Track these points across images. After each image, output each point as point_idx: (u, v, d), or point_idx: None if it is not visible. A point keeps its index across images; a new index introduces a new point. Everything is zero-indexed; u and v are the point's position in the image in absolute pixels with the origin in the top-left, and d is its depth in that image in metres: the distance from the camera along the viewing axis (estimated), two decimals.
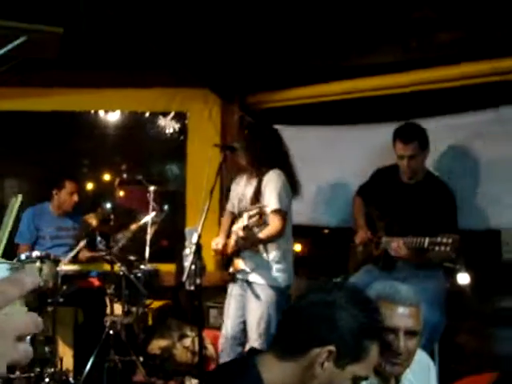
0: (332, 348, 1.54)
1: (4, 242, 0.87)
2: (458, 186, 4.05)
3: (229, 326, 3.91)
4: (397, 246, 3.61)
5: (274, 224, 3.66)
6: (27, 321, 0.73)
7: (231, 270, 3.85)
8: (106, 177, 6.85)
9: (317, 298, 1.59)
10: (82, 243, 4.68)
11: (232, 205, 4.07)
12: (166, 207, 4.81)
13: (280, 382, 1.60)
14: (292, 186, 3.80)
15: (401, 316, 2.03)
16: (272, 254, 3.75)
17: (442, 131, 4.31)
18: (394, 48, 4.55)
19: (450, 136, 4.40)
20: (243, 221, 3.65)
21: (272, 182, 3.69)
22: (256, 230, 3.63)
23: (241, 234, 3.62)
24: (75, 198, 5.03)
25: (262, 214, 3.55)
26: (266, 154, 3.77)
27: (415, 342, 2.05)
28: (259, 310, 3.68)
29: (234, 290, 3.95)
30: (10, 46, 2.45)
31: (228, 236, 3.97)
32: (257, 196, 3.73)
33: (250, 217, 3.56)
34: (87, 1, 2.80)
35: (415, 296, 2.10)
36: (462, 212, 3.85)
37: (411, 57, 4.49)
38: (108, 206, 5.85)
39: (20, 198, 0.90)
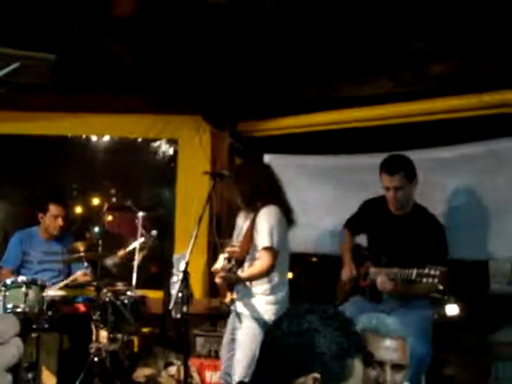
0: (316, 375, 1.52)
1: None
2: (448, 217, 4.08)
3: (222, 359, 3.89)
4: (382, 281, 3.62)
5: (262, 261, 3.66)
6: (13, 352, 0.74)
7: (223, 300, 3.83)
8: (96, 201, 6.83)
9: (291, 327, 1.58)
10: (80, 272, 4.67)
11: (235, 238, 4.05)
12: (154, 233, 4.76)
13: None
14: (288, 217, 3.81)
15: (387, 349, 2.03)
16: (262, 287, 3.73)
17: (430, 162, 4.36)
18: (385, 80, 4.61)
19: (439, 167, 4.44)
20: (219, 263, 3.68)
21: (265, 219, 3.69)
22: (240, 268, 3.65)
23: (217, 278, 3.65)
24: (59, 221, 4.95)
25: (232, 258, 3.59)
26: (258, 189, 3.78)
27: (402, 375, 2.04)
28: (245, 343, 3.65)
29: (228, 322, 3.94)
30: (2, 72, 2.46)
31: None
32: (251, 232, 3.74)
33: (225, 259, 3.60)
34: (80, 26, 2.82)
35: (402, 329, 2.10)
36: (452, 242, 3.87)
37: (401, 89, 4.54)
38: (96, 230, 5.81)
39: None
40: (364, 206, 4.19)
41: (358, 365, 1.51)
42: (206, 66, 5.06)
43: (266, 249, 3.65)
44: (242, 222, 3.95)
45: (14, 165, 5.97)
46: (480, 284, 5.22)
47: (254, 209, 3.79)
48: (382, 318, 2.15)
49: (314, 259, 6.49)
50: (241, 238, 3.84)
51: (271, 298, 3.72)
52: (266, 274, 3.68)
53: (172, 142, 5.84)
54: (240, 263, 3.70)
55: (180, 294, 3.36)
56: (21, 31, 2.60)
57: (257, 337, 3.58)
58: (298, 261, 6.18)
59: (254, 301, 3.71)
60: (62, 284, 4.71)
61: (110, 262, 4.62)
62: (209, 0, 3.90)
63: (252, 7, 4.09)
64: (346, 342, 1.50)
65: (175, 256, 3.93)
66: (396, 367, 2.02)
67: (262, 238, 3.66)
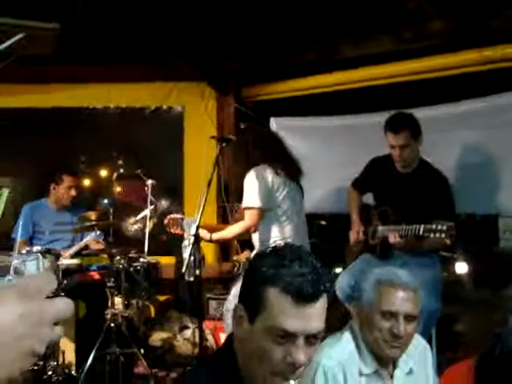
0: (240, 305, 1.56)
1: None
2: (456, 172, 4.09)
3: None
4: (393, 238, 3.64)
5: (241, 222, 3.77)
6: (62, 307, 0.81)
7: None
8: (104, 172, 6.87)
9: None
10: (89, 237, 4.75)
11: None
12: (164, 201, 4.83)
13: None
14: (288, 176, 3.83)
15: (401, 300, 2.08)
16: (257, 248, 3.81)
17: (435, 119, 4.36)
18: (386, 38, 4.58)
19: (443, 124, 4.44)
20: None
21: (247, 181, 3.75)
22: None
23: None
24: (73, 192, 5.05)
25: None
26: (257, 151, 3.82)
27: (414, 326, 2.10)
28: None
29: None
30: (7, 43, 2.47)
31: None
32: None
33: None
34: None
35: (414, 281, 2.15)
36: (462, 196, 3.89)
37: (403, 47, 4.52)
38: (105, 201, 5.86)
39: (7, 191, 0.97)
40: (370, 164, 4.20)
41: (274, 296, 1.47)
42: (209, 31, 5.04)
43: (245, 209, 3.75)
44: None
45: (20, 137, 5.99)
46: (489, 241, 5.26)
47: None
48: (396, 270, 2.20)
49: (323, 222, 6.53)
50: None
51: None
52: (243, 233, 3.79)
53: (178, 108, 5.84)
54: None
55: (192, 258, 3.42)
56: (23, 1, 2.60)
57: None
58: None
59: None
60: (75, 248, 4.77)
61: (132, 228, 4.69)
62: None
63: None
64: (261, 271, 1.50)
65: (185, 220, 3.96)
66: (409, 318, 2.07)
67: (243, 199, 3.75)
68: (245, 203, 3.74)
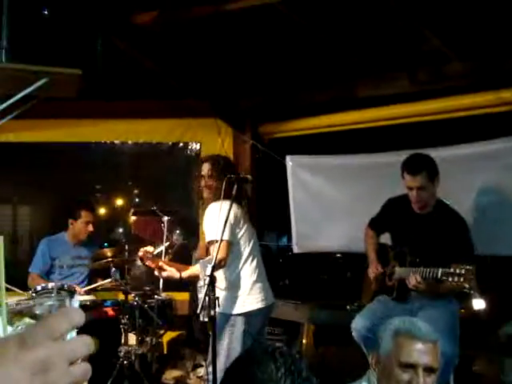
0: None
1: (3, 288, 0.92)
2: (473, 214, 4.07)
3: None
4: (415, 281, 3.59)
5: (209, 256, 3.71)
6: (77, 345, 0.77)
7: None
8: (121, 206, 6.92)
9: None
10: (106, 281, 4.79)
11: None
12: (179, 237, 4.85)
13: None
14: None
15: (420, 352, 2.05)
16: (222, 284, 3.75)
17: (452, 160, 4.36)
18: (403, 79, 4.62)
19: (461, 164, 4.44)
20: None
21: (206, 215, 3.75)
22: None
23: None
24: (90, 227, 5.09)
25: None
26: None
27: (433, 378, 2.07)
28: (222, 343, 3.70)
29: None
30: (31, 88, 2.52)
31: None
32: None
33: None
34: (104, 40, 2.88)
35: (434, 333, 2.12)
36: (481, 238, 3.86)
37: (419, 88, 4.55)
38: (122, 234, 5.91)
39: (1, 239, 0.94)
40: (387, 204, 4.18)
41: None
42: (225, 70, 5.12)
43: (208, 243, 3.73)
44: None
45: (41, 171, 6.08)
46: (507, 278, 5.20)
47: None
48: (415, 321, 2.18)
49: (339, 255, 6.51)
50: None
51: (229, 293, 3.74)
52: (215, 268, 3.51)
53: (195, 144, 5.91)
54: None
55: (207, 298, 3.41)
56: (48, 48, 2.67)
57: (219, 329, 3.57)
58: (323, 258, 6.24)
59: (221, 296, 3.63)
60: (89, 287, 4.80)
61: (139, 263, 4.70)
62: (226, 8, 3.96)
63: (267, 13, 4.14)
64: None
65: (201, 260, 3.97)
66: (428, 370, 2.04)
67: (206, 234, 3.73)
68: (206, 237, 3.73)
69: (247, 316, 3.76)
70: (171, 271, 3.87)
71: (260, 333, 3.89)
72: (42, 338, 0.74)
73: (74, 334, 0.80)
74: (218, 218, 3.60)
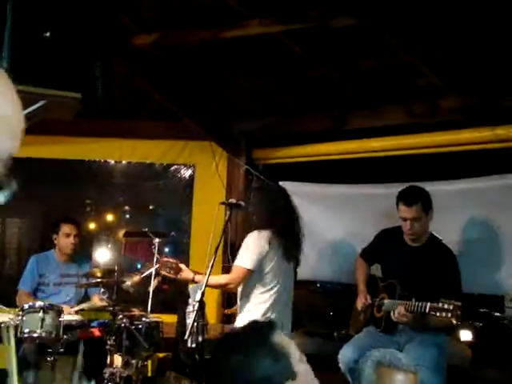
0: None
1: None
2: (463, 250, 4.09)
3: None
4: (399, 313, 3.61)
5: (229, 275, 3.83)
6: None
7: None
8: (112, 226, 6.88)
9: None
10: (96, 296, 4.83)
11: None
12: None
13: None
14: (283, 240, 3.83)
15: (401, 383, 2.06)
16: (245, 305, 3.82)
17: (445, 195, 4.38)
18: (398, 111, 4.66)
19: (454, 199, 4.47)
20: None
21: (245, 241, 3.80)
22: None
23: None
24: (72, 239, 5.01)
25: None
26: (261, 215, 3.86)
27: None
28: None
29: None
30: (28, 110, 2.53)
31: None
32: None
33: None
34: (103, 65, 2.90)
35: (414, 364, 2.13)
36: (468, 276, 3.88)
37: (415, 121, 4.60)
38: (112, 255, 5.89)
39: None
40: (380, 235, 4.21)
41: None
42: (221, 94, 5.15)
43: (235, 266, 3.79)
44: None
45: (33, 188, 6.06)
46: (494, 308, 5.22)
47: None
48: (395, 353, 2.20)
49: (329, 285, 6.49)
50: None
51: (250, 315, 3.76)
52: (222, 286, 3.91)
53: (189, 167, 5.93)
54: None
55: (196, 324, 3.40)
56: (46, 70, 2.68)
57: None
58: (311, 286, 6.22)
59: (241, 315, 3.83)
60: (77, 308, 4.76)
61: (127, 284, 4.67)
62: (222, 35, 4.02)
63: (265, 41, 4.18)
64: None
65: (191, 286, 3.98)
66: None
67: (237, 256, 3.81)
68: (236, 261, 3.79)
69: None
70: (187, 271, 3.93)
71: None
72: None
73: None
74: (248, 246, 3.74)
